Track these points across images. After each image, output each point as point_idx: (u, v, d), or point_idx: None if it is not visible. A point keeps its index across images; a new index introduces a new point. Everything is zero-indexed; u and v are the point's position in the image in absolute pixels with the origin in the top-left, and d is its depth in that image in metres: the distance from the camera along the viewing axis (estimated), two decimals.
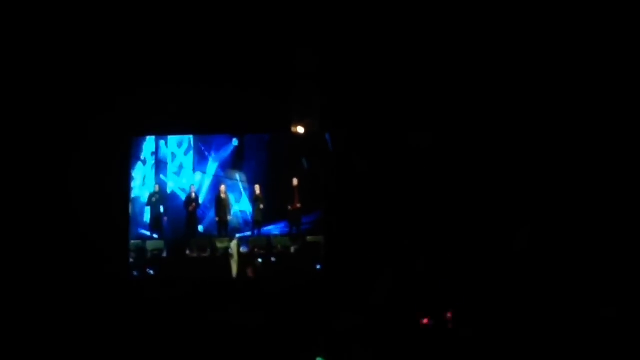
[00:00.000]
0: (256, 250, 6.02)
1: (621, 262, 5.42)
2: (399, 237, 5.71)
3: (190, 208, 6.05)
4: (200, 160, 6.10)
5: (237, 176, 6.09)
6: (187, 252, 6.09)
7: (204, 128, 6.02)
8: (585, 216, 5.56)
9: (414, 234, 5.70)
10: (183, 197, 6.10)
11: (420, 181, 5.80)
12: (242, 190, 6.07)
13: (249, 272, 6.00)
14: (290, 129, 5.74)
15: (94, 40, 5.89)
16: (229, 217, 6.07)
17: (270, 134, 5.99)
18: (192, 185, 6.08)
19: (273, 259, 5.96)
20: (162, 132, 6.08)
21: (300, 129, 5.70)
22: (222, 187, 6.08)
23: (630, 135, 5.57)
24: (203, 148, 6.08)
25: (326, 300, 5.62)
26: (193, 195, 6.08)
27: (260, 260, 5.98)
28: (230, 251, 6.04)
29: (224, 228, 6.08)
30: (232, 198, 6.07)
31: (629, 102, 5.59)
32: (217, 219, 6.07)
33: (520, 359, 5.27)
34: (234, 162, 6.12)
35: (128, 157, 5.97)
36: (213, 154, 6.11)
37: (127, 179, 5.97)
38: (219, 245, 6.06)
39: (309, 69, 5.74)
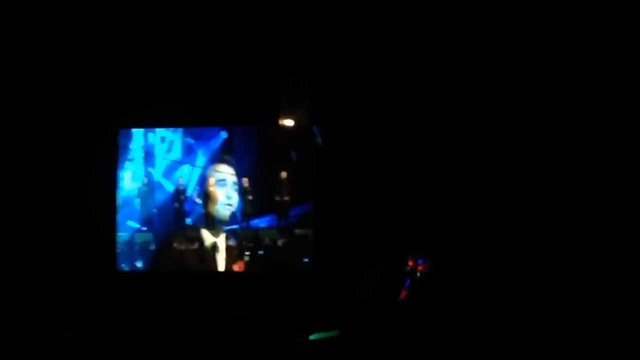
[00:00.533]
0: (244, 243, 6.04)
1: (620, 262, 5.44)
2: (388, 230, 5.71)
3: (178, 201, 6.06)
4: (189, 153, 6.11)
5: (226, 169, 6.09)
6: (175, 244, 6.15)
7: (192, 120, 6.01)
8: (584, 215, 5.57)
9: (404, 227, 5.69)
10: (171, 189, 6.12)
11: (410, 175, 5.79)
12: (230, 183, 6.08)
13: (237, 266, 6.02)
14: (278, 122, 5.69)
15: (80, 28, 5.86)
16: (217, 210, 6.09)
17: (258, 126, 6.00)
18: (180, 177, 6.09)
19: (261, 252, 5.98)
20: (149, 124, 6.06)
21: (289, 122, 5.67)
22: (211, 180, 6.09)
23: (630, 134, 5.54)
24: (191, 140, 6.09)
25: (314, 293, 5.61)
26: (181, 187, 6.10)
27: (247, 253, 6.00)
28: (217, 244, 6.07)
29: (212, 221, 6.10)
30: (220, 191, 6.09)
31: (628, 102, 5.57)
32: (204, 211, 6.09)
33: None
34: (222, 155, 6.11)
35: (115, 148, 5.96)
36: (202, 147, 6.13)
37: (114, 171, 5.96)
38: (207, 238, 6.09)
39: (298, 61, 5.71)
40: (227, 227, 6.03)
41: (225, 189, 6.10)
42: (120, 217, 6.00)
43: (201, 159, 6.09)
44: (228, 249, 6.03)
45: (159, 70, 5.90)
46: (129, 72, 5.90)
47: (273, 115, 5.71)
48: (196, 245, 6.05)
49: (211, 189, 6.08)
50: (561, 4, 5.58)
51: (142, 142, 6.07)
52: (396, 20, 5.79)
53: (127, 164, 6.08)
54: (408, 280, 5.43)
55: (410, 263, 5.49)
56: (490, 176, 5.73)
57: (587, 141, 5.56)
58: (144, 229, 6.06)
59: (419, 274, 5.43)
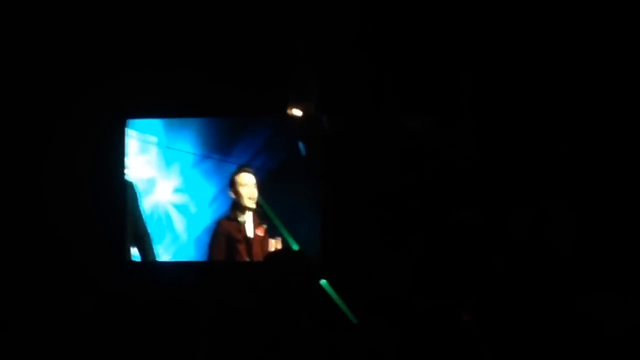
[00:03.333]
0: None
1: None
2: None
3: None
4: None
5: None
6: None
7: (199, 110, 5.96)
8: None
9: (411, 219, 5.66)
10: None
11: (418, 166, 5.74)
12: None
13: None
14: (287, 112, 5.65)
15: (88, 18, 5.90)
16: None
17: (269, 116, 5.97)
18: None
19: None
20: (157, 114, 6.00)
21: (297, 112, 5.63)
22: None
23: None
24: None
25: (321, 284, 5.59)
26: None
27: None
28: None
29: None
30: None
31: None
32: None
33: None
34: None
35: (123, 138, 5.92)
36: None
37: (122, 160, 5.92)
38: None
39: (307, 51, 5.68)
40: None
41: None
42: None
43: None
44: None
45: (169, 61, 5.91)
46: (139, 63, 5.93)
47: (282, 105, 5.70)
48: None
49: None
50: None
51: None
52: (405, 12, 5.76)
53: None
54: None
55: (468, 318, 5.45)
56: (501, 167, 5.69)
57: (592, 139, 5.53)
58: None
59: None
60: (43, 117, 5.91)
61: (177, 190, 6.09)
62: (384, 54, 5.76)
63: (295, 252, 5.79)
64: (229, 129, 6.07)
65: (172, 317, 5.69)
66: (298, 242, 5.86)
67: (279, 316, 5.34)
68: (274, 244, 5.95)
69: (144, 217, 6.01)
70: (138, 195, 6.00)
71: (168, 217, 6.09)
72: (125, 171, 5.94)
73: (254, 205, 6.01)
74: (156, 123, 6.02)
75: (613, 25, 5.48)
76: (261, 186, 5.99)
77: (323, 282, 5.43)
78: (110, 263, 5.86)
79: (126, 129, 5.94)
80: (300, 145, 5.82)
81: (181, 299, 5.73)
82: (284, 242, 5.91)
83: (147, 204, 6.03)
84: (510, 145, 5.70)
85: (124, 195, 5.93)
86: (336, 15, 5.72)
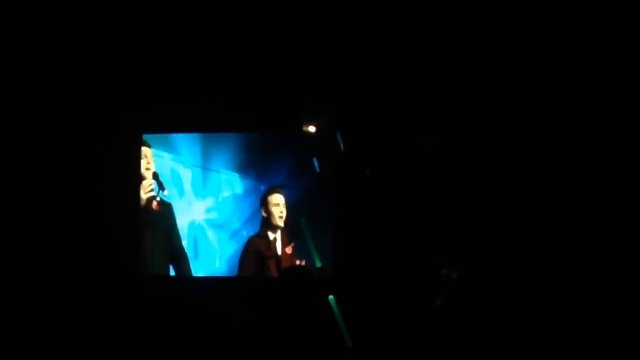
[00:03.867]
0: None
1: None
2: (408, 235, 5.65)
3: None
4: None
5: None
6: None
7: (214, 126, 6.15)
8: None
9: (423, 234, 5.62)
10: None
11: (431, 182, 5.73)
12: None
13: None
14: (301, 128, 5.78)
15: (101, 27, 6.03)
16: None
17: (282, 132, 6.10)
18: None
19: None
20: (171, 129, 6.20)
21: (312, 128, 5.72)
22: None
23: None
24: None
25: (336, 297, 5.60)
26: None
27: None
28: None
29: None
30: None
31: None
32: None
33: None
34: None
35: (138, 153, 6.12)
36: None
37: (137, 175, 6.13)
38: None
39: (322, 67, 5.77)
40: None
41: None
42: None
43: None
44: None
45: (182, 75, 6.06)
46: (151, 78, 6.10)
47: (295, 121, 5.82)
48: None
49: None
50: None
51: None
52: (421, 28, 5.77)
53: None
54: (442, 289, 5.36)
55: (443, 271, 5.40)
56: (510, 182, 5.61)
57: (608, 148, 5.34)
58: None
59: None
60: (62, 132, 6.14)
61: (211, 209, 6.32)
62: (398, 70, 5.79)
63: (315, 269, 5.88)
64: (263, 150, 6.26)
65: (203, 331, 5.83)
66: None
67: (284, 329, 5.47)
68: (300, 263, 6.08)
69: (180, 235, 6.28)
70: (174, 214, 6.28)
71: (203, 235, 6.32)
72: (163, 192, 6.22)
73: (282, 224, 6.14)
74: (193, 146, 6.30)
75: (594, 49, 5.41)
76: (290, 206, 6.14)
77: (330, 297, 5.45)
78: (126, 276, 6.06)
79: (153, 150, 6.20)
80: (315, 161, 5.91)
81: (211, 312, 5.87)
82: (309, 259, 6.00)
83: (183, 222, 6.30)
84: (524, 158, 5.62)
85: (137, 208, 6.14)
86: (350, 33, 5.79)
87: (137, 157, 6.11)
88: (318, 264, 5.90)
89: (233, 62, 5.99)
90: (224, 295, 5.93)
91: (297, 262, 6.04)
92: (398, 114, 5.77)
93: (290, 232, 6.11)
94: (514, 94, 5.60)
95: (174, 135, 6.25)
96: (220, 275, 6.20)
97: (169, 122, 6.12)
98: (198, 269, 6.24)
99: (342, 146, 5.82)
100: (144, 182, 6.15)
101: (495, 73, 5.62)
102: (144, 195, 6.15)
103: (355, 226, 5.81)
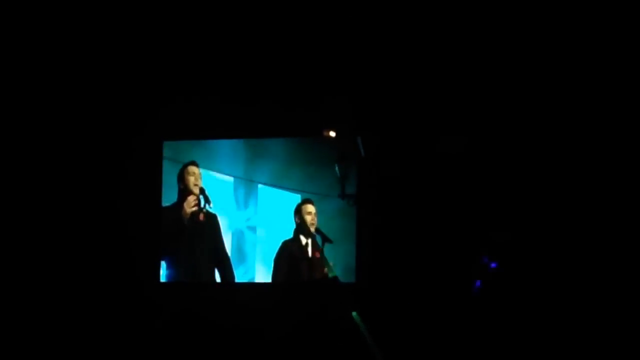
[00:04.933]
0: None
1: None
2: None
3: None
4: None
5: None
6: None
7: (236, 132, 6.50)
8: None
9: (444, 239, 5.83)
10: None
11: (452, 187, 5.92)
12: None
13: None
14: (321, 134, 6.09)
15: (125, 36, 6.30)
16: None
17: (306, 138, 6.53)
18: None
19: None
20: (194, 136, 6.58)
21: (332, 133, 6.04)
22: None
23: None
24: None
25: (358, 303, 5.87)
26: None
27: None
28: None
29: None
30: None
31: None
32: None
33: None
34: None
35: (160, 161, 6.52)
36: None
37: (159, 184, 6.55)
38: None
39: (341, 73, 6.03)
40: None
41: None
42: None
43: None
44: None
45: (203, 84, 6.35)
46: (177, 85, 6.36)
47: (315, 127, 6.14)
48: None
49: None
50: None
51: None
52: (441, 33, 5.98)
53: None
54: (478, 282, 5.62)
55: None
56: (532, 190, 5.78)
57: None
58: None
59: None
60: (84, 139, 6.44)
61: (251, 219, 6.91)
62: (418, 75, 6.01)
63: (330, 279, 6.28)
64: (302, 163, 6.80)
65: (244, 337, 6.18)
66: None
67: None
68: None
69: (224, 243, 6.86)
70: (219, 225, 6.87)
71: (244, 241, 6.91)
72: (208, 205, 6.80)
73: (313, 231, 6.63)
74: (235, 160, 6.91)
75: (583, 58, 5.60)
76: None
77: (354, 314, 5.70)
78: (146, 283, 6.44)
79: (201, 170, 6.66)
80: (336, 167, 6.23)
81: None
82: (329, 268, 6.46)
83: (226, 231, 6.87)
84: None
85: (159, 217, 6.59)
86: (370, 40, 6.03)
87: (159, 164, 6.57)
88: (331, 274, 6.32)
89: (253, 68, 6.29)
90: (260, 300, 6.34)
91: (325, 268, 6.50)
92: (418, 119, 5.99)
93: (319, 238, 6.60)
94: (537, 95, 5.80)
95: (218, 152, 6.85)
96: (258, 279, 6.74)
97: (190, 128, 6.46)
98: (241, 274, 6.81)
99: (362, 151, 6.07)
100: (189, 198, 6.64)
101: (517, 79, 5.83)
102: (188, 210, 6.66)
103: (378, 233, 6.05)
